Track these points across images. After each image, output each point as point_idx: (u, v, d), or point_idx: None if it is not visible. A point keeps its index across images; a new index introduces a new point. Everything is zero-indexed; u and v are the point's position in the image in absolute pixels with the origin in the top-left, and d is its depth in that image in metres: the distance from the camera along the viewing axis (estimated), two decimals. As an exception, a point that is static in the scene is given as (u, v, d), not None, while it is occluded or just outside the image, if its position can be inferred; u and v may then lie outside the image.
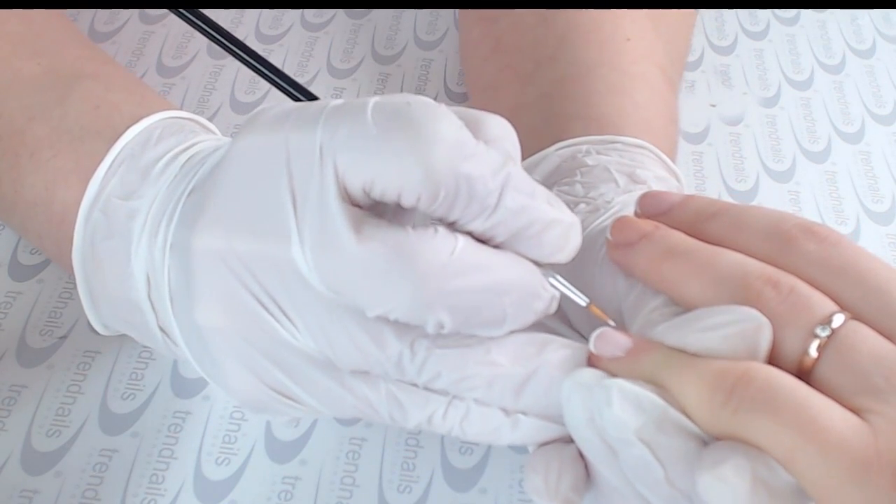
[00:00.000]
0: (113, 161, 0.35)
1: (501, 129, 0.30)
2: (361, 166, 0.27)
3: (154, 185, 0.34)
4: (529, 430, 0.30)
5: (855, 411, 0.25)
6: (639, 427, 0.26)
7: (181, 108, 0.39)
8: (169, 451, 0.37)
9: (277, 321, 0.30)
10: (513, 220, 0.28)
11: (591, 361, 0.29)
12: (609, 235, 0.32)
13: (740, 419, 0.25)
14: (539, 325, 0.31)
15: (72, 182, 0.36)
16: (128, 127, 0.36)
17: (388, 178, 0.27)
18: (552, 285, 0.30)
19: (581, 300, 0.30)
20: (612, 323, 0.30)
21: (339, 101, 0.29)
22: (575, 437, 0.29)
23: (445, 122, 0.27)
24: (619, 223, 0.32)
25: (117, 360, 0.40)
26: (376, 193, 0.28)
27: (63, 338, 0.41)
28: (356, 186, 0.28)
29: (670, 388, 0.27)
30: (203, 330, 0.31)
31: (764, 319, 0.27)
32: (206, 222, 0.30)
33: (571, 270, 0.34)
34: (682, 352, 0.28)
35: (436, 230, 0.28)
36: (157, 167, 0.34)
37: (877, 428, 0.25)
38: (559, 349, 0.29)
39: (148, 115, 0.37)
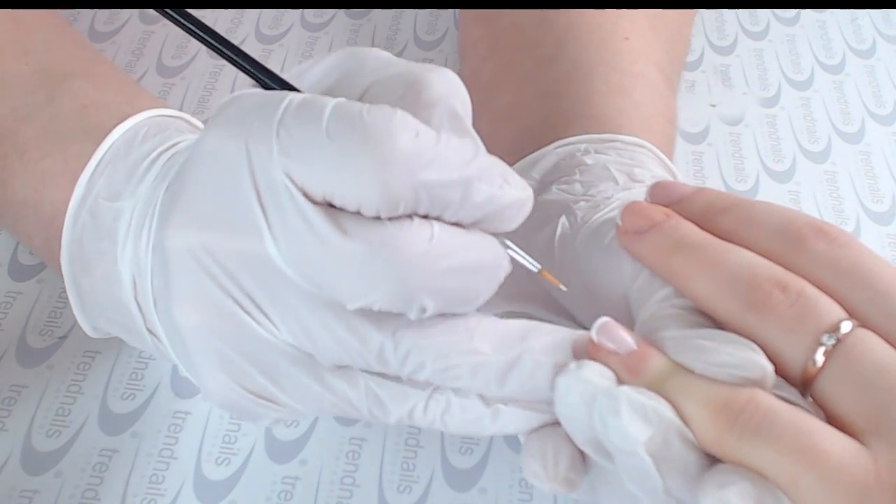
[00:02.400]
0: (99, 161, 0.35)
1: (447, 87, 0.29)
2: (318, 179, 0.27)
3: (138, 185, 0.34)
4: (510, 420, 0.29)
5: (855, 433, 0.26)
6: (646, 439, 0.26)
7: (181, 109, 0.39)
8: (169, 451, 0.37)
9: (254, 319, 0.29)
10: (479, 211, 0.28)
11: (590, 351, 0.29)
12: (619, 220, 0.32)
13: (744, 445, 0.26)
14: (537, 317, 0.31)
15: (60, 183, 0.36)
16: (113, 125, 0.36)
17: (345, 192, 0.27)
18: (507, 253, 0.30)
19: (533, 266, 0.30)
20: (563, 287, 0.30)
21: (301, 98, 0.28)
22: (568, 430, 0.28)
23: (401, 132, 0.27)
24: (631, 208, 0.32)
25: (117, 360, 0.40)
26: (337, 203, 0.27)
27: (63, 338, 0.41)
28: (317, 194, 0.27)
29: (673, 400, 0.27)
30: (181, 329, 0.30)
31: (769, 368, 0.27)
32: (177, 220, 0.29)
33: (574, 259, 0.34)
34: (686, 368, 0.28)
35: (411, 219, 0.27)
36: (141, 167, 0.34)
37: (876, 452, 0.25)
38: (543, 335, 0.29)
39: (133, 112, 0.36)
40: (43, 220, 0.36)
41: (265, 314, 0.29)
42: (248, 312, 0.29)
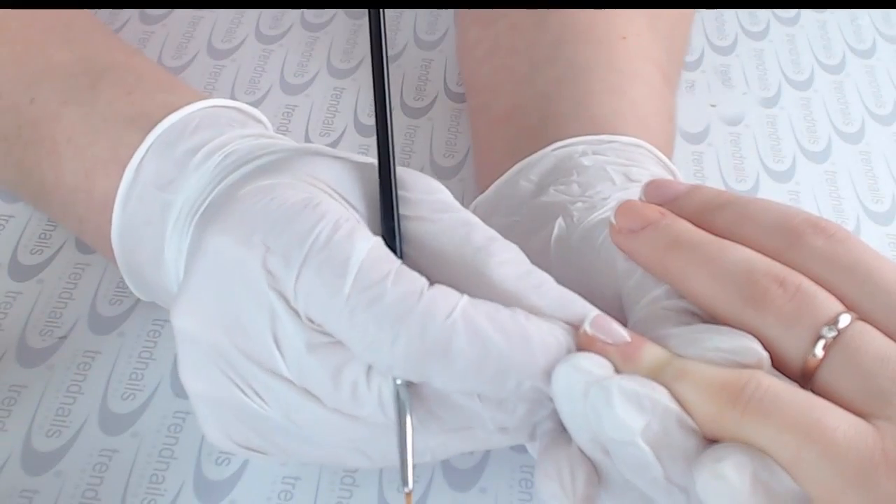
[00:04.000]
0: (149, 148, 0.36)
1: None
2: (333, 330, 0.28)
3: (188, 179, 0.34)
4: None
5: (860, 414, 0.25)
6: (642, 428, 0.26)
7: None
8: (169, 451, 0.37)
9: (252, 400, 0.30)
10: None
11: (583, 343, 0.28)
12: (613, 219, 0.32)
13: (746, 423, 0.25)
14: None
15: (111, 170, 0.36)
16: (160, 114, 0.36)
17: (358, 350, 0.28)
18: None
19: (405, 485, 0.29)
20: None
21: (325, 240, 0.28)
22: (571, 428, 0.28)
23: (419, 314, 0.27)
24: (624, 208, 0.32)
25: (117, 361, 0.40)
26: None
27: (63, 338, 0.41)
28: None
29: (671, 387, 0.27)
30: (186, 391, 0.32)
31: (764, 355, 0.27)
32: (184, 308, 0.30)
33: (570, 260, 0.34)
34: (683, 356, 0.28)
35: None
36: (194, 161, 0.35)
37: (883, 430, 0.25)
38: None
39: (179, 102, 0.37)
40: (95, 206, 0.37)
41: (263, 399, 0.30)
42: (246, 395, 0.30)
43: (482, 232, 0.31)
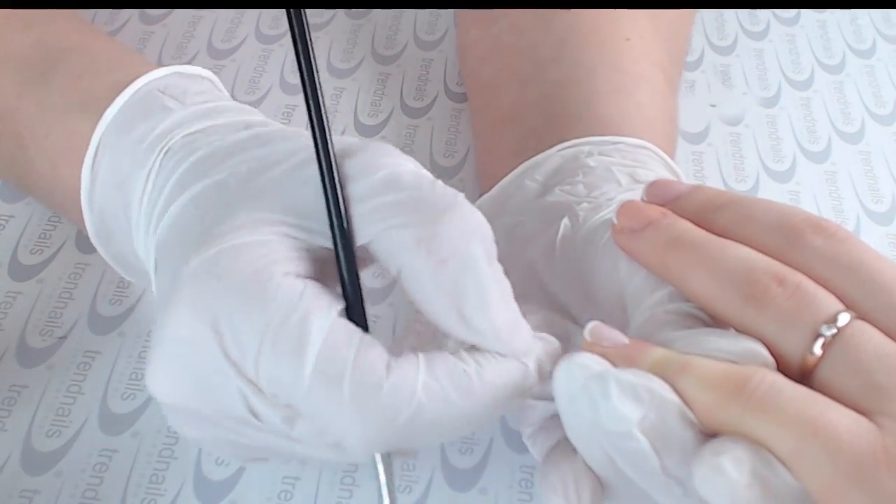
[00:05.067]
0: (97, 147, 0.35)
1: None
2: (299, 406, 0.28)
3: (138, 174, 0.34)
4: None
5: (860, 411, 0.25)
6: (639, 419, 0.26)
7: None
8: (169, 451, 0.37)
9: (246, 440, 0.30)
10: None
11: (586, 349, 0.29)
12: (615, 219, 0.32)
13: (747, 417, 0.25)
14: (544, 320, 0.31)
15: (71, 161, 0.36)
16: (108, 96, 0.36)
17: (325, 426, 0.28)
18: None
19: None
20: None
21: (280, 321, 0.27)
22: (573, 434, 0.28)
23: (383, 404, 0.27)
24: (626, 207, 0.32)
25: (117, 360, 0.40)
26: None
27: (63, 338, 0.41)
28: None
29: (672, 381, 0.27)
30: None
31: (770, 360, 0.27)
32: (156, 377, 0.29)
33: (571, 262, 0.34)
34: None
35: None
36: (139, 155, 0.34)
37: (883, 426, 0.25)
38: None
39: (126, 78, 0.36)
40: (71, 196, 0.37)
41: (256, 440, 0.30)
42: (240, 437, 0.30)
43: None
